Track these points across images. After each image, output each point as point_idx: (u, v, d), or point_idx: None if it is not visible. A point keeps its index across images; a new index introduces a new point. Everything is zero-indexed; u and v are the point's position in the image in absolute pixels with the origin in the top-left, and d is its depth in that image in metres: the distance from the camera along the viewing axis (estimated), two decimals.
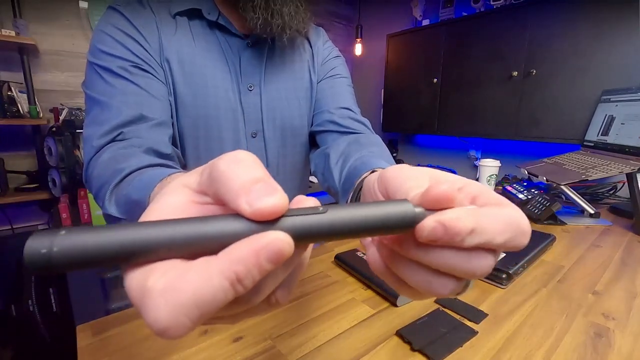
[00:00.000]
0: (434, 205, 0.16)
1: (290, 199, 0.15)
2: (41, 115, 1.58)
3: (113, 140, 0.43)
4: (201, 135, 0.55)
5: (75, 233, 0.13)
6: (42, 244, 0.12)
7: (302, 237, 0.14)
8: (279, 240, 0.13)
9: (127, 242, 0.13)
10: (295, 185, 0.70)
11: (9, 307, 1.38)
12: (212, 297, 0.12)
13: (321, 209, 0.15)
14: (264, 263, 0.13)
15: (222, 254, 0.13)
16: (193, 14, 0.52)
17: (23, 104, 1.54)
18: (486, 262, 0.16)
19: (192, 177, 0.17)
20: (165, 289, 0.12)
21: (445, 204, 0.16)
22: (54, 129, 1.52)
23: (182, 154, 0.55)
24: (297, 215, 0.14)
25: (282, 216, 0.14)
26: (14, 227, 1.63)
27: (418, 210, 0.16)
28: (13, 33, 1.42)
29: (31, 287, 1.38)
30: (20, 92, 1.54)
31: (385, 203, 0.16)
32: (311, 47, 0.65)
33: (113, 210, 0.36)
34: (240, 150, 0.16)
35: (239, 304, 0.15)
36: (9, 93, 1.51)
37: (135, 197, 0.32)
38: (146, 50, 0.48)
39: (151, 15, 0.49)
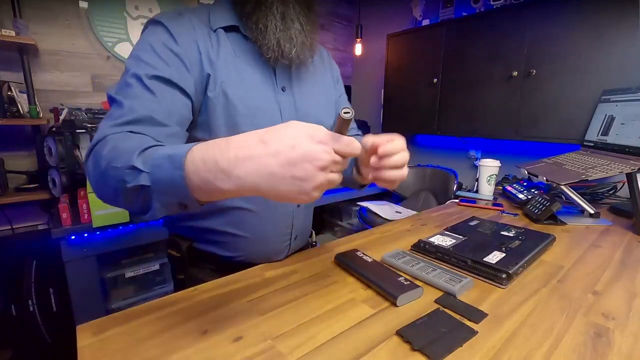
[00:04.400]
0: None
1: None
2: (41, 115, 1.57)
3: (123, 131, 0.44)
4: (248, 130, 0.59)
5: None
6: None
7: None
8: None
9: None
10: None
11: (9, 307, 1.38)
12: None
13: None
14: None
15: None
16: (231, 29, 0.59)
17: (23, 104, 1.53)
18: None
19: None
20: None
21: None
22: (54, 129, 1.52)
23: None
24: None
25: None
26: (14, 227, 1.63)
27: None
28: (13, 33, 1.42)
29: (31, 287, 1.38)
30: (20, 92, 1.54)
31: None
32: (322, 60, 0.76)
33: (139, 164, 0.37)
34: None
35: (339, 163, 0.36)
36: (9, 93, 1.50)
37: (170, 152, 0.36)
38: (182, 63, 0.52)
39: (192, 29, 0.55)
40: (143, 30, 0.54)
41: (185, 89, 0.52)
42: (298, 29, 0.57)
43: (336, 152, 0.34)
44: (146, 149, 0.39)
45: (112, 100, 0.48)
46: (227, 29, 0.59)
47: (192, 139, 0.57)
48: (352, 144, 0.35)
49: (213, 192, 0.35)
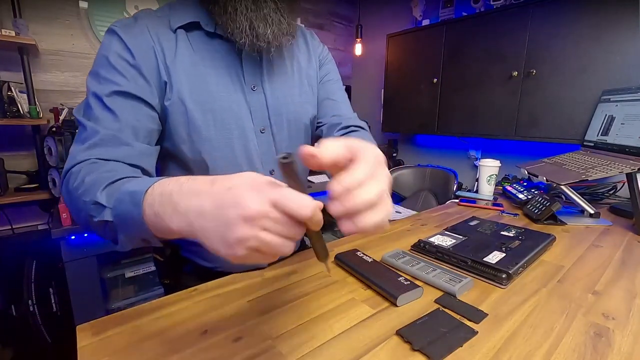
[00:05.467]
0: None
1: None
2: (41, 115, 1.57)
3: (91, 157, 0.44)
4: (213, 136, 0.56)
5: None
6: None
7: None
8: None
9: None
10: (303, 178, 0.73)
11: (9, 307, 1.38)
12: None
13: None
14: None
15: None
16: (192, 27, 0.54)
17: (23, 104, 1.53)
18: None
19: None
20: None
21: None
22: (54, 129, 1.52)
23: (199, 151, 0.56)
24: None
25: None
26: (14, 227, 1.63)
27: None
28: (13, 33, 1.42)
29: (31, 287, 1.38)
30: (20, 92, 1.54)
31: None
32: (307, 43, 0.70)
33: (103, 200, 0.38)
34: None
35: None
36: (9, 93, 1.50)
37: (132, 189, 0.35)
38: (140, 74, 0.49)
39: (148, 35, 0.51)
40: (102, 42, 0.51)
41: (148, 101, 0.50)
42: (272, 8, 0.52)
43: (275, 206, 0.27)
44: (114, 181, 0.39)
45: (78, 123, 0.47)
46: (187, 28, 0.54)
47: (162, 149, 0.55)
48: (297, 200, 0.26)
49: (163, 229, 0.32)
